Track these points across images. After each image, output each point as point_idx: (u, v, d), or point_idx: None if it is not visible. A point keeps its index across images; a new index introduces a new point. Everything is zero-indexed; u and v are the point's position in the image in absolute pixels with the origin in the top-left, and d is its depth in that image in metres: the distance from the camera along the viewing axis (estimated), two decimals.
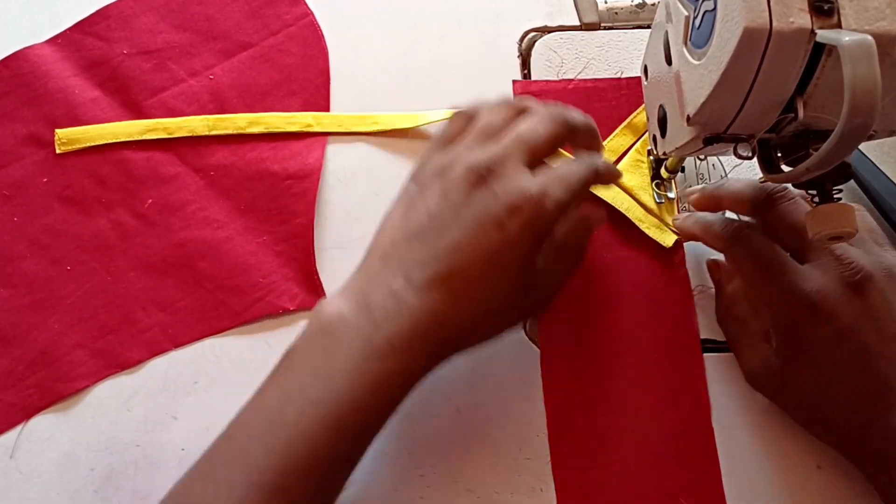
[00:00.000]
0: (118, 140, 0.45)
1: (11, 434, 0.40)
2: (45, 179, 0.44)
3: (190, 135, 0.45)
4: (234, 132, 0.45)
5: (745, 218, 0.40)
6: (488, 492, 0.39)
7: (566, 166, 0.36)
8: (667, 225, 0.43)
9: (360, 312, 0.33)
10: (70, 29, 0.48)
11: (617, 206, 0.44)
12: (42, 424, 0.40)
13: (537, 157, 0.36)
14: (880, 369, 0.35)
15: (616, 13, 0.48)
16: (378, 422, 0.33)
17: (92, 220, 0.44)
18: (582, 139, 0.38)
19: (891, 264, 0.36)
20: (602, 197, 0.44)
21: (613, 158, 0.45)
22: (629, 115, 0.46)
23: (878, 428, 0.35)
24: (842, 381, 0.36)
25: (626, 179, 0.44)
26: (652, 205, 0.44)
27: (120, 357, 0.41)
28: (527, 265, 0.35)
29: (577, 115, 0.38)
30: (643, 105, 0.45)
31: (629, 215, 0.43)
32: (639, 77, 0.46)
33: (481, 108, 0.38)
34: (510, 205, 0.33)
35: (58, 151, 0.45)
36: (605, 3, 0.48)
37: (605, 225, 0.43)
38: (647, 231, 0.43)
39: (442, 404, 0.39)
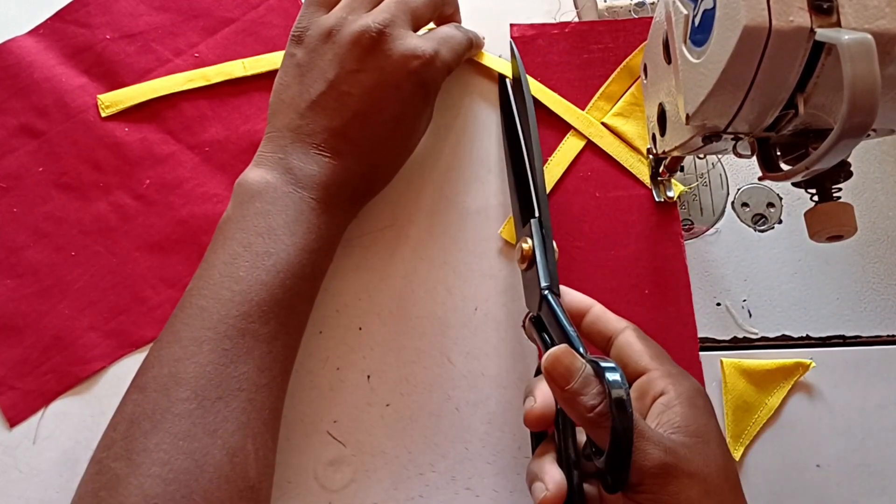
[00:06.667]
0: (160, 94, 0.46)
1: (32, 421, 0.40)
2: (40, 169, 0.44)
3: (228, 78, 0.46)
4: (269, 69, 0.46)
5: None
6: (487, 490, 0.39)
7: (448, 31, 0.40)
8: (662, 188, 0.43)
9: (285, 177, 0.36)
10: (50, 18, 0.47)
11: (613, 155, 0.44)
12: (41, 423, 0.40)
13: (420, 21, 0.39)
14: None
15: (615, 12, 0.47)
16: (322, 264, 0.37)
17: (91, 204, 0.44)
18: (450, 7, 0.42)
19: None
20: (599, 145, 0.44)
21: (610, 105, 0.45)
22: (626, 57, 0.45)
23: None
24: None
25: (621, 126, 0.44)
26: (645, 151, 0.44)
27: (133, 336, 0.42)
28: (422, 118, 0.39)
29: None
30: (640, 46, 0.45)
31: (626, 164, 0.44)
32: (635, 18, 0.46)
33: None
34: (404, 66, 0.37)
35: (102, 115, 0.45)
36: (605, 1, 0.48)
37: (598, 169, 0.44)
38: (642, 179, 0.43)
39: (441, 403, 0.39)
